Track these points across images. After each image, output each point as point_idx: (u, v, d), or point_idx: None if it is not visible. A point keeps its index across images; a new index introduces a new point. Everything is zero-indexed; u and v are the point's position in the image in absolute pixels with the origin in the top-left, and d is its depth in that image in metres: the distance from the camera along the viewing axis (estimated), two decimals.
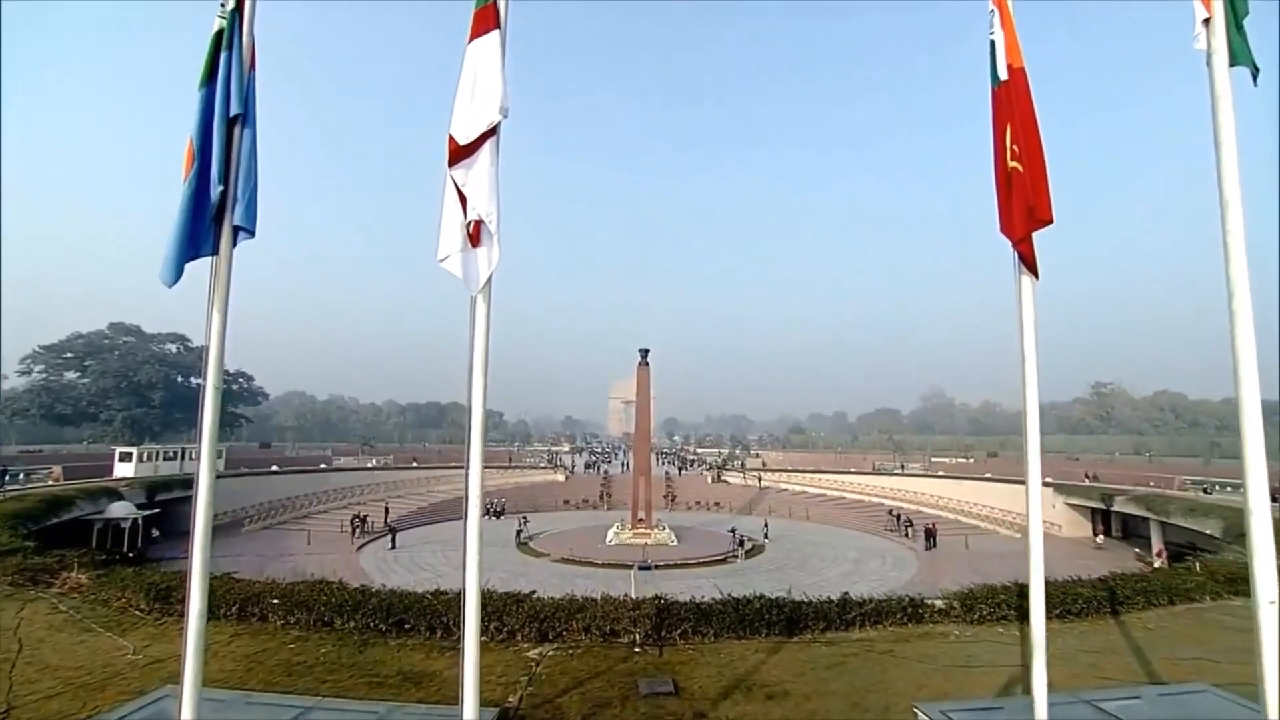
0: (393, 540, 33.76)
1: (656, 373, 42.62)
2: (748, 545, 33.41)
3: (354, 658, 8.99)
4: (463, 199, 4.77)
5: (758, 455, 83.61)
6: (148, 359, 61.72)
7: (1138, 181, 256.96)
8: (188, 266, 4.50)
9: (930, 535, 35.95)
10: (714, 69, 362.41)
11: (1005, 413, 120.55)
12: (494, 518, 41.77)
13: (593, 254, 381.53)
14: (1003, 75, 4.95)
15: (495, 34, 4.95)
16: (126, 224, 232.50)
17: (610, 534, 35.57)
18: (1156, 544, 31.00)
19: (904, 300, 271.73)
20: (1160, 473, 41.41)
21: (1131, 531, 37.41)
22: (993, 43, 5.07)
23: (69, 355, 60.77)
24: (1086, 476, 42.09)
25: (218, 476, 4.79)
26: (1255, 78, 4.63)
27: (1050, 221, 4.69)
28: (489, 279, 4.86)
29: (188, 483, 4.73)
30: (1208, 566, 14.11)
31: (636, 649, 9.43)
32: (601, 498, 53.13)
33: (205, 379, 4.47)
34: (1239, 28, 4.60)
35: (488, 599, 9.90)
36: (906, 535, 38.45)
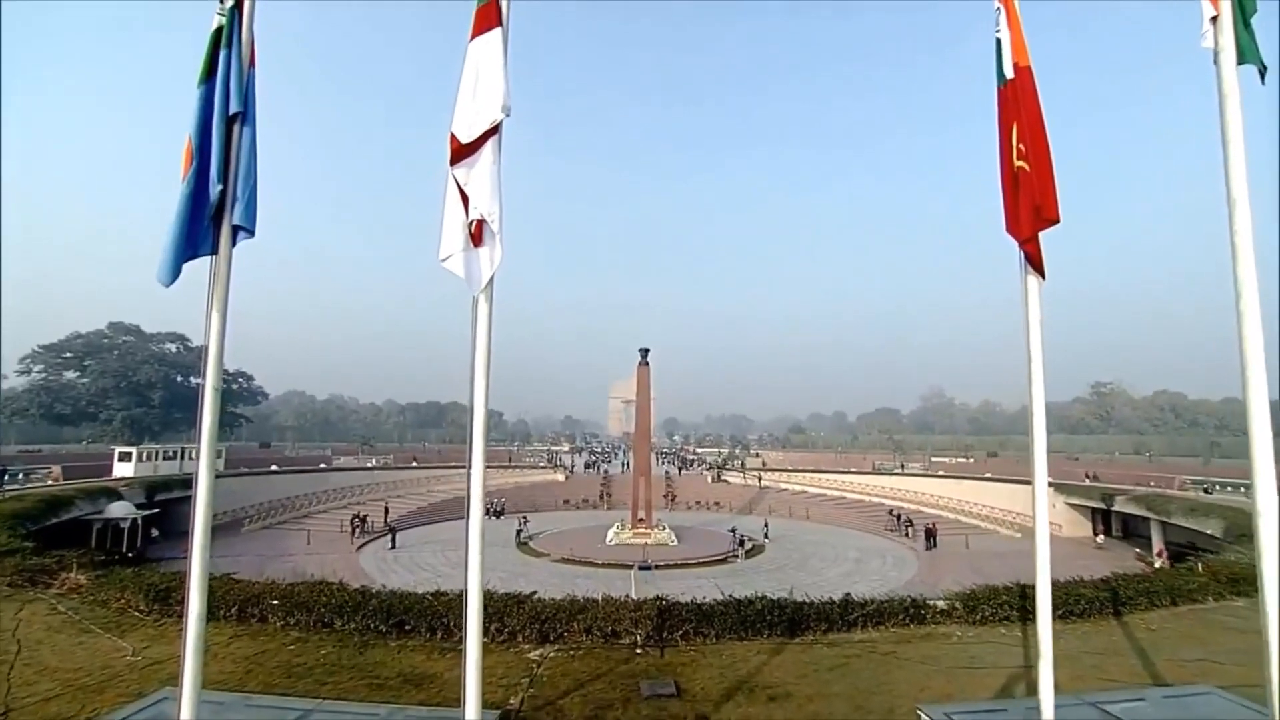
0: (392, 540, 33.71)
1: (656, 373, 42.60)
2: (748, 545, 33.38)
3: (354, 659, 8.96)
4: (465, 198, 4.72)
5: (758, 455, 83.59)
6: (147, 359, 61.61)
7: (1138, 181, 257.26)
8: (187, 266, 4.46)
9: (930, 535, 35.92)
10: (714, 69, 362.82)
11: (1005, 413, 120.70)
12: (494, 517, 41.70)
13: (593, 254, 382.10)
14: (1009, 74, 4.91)
15: (497, 32, 4.91)
16: (126, 224, 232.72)
17: (610, 534, 35.52)
18: (1157, 544, 30.97)
19: (904, 300, 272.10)
20: (1160, 472, 41.39)
21: (1132, 531, 37.38)
22: (998, 41, 5.02)
23: (68, 355, 60.65)
24: (1087, 476, 42.07)
25: (217, 476, 4.75)
26: (1263, 76, 4.60)
27: (1057, 221, 4.65)
28: (491, 279, 4.82)
29: (187, 483, 4.70)
30: (1210, 567, 14.09)
31: (638, 650, 9.40)
32: (601, 497, 53.06)
33: (204, 379, 4.44)
34: (1247, 25, 4.57)
35: (489, 600, 9.87)
36: (907, 535, 38.42)
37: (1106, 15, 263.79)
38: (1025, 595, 10.92)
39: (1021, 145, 4.72)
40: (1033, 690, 5.07)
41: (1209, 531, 25.69)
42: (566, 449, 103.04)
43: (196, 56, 4.64)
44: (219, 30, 4.58)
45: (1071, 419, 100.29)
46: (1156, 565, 24.83)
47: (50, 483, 31.60)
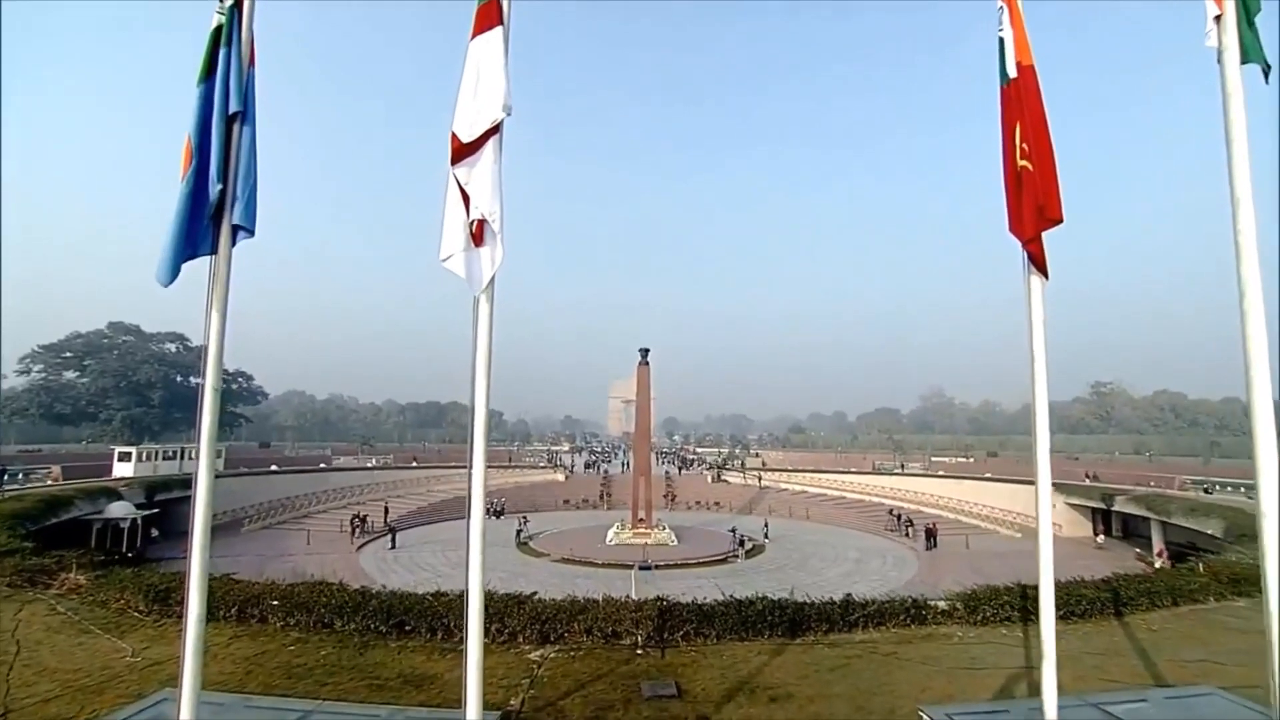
0: (392, 540, 33.69)
1: (656, 372, 42.57)
2: (748, 545, 33.36)
3: (354, 660, 8.94)
4: (466, 198, 4.70)
5: (757, 455, 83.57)
6: (147, 358, 61.56)
7: (1138, 181, 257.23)
8: (187, 266, 4.44)
9: (931, 535, 35.91)
10: (714, 69, 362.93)
11: (1005, 412, 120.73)
12: (494, 517, 41.70)
13: (593, 254, 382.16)
14: (1012, 73, 4.89)
15: (498, 30, 4.89)
16: (126, 223, 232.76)
17: (610, 534, 35.50)
18: (1157, 544, 30.96)
19: (904, 300, 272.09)
20: (1160, 472, 41.40)
21: (1132, 531, 37.37)
22: (1001, 40, 5.00)
23: (68, 355, 60.59)
24: (1087, 476, 42.08)
25: (217, 476, 4.74)
26: (1266, 75, 4.58)
27: (1060, 221, 4.63)
28: (493, 279, 4.80)
29: (187, 482, 4.68)
30: (1211, 567, 14.07)
31: (639, 651, 9.39)
32: (601, 497, 53.03)
33: (204, 378, 4.42)
34: (1251, 24, 4.55)
35: (489, 600, 9.85)
36: (907, 535, 38.40)
37: (1106, 15, 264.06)
38: (1026, 595, 10.91)
39: (1025, 145, 4.70)
40: (1034, 691, 5.05)
41: (1209, 531, 25.68)
42: (566, 449, 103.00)
43: (196, 56, 4.63)
44: (218, 29, 4.56)
45: (1071, 419, 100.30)
46: (1157, 565, 24.82)
47: (50, 483, 31.58)
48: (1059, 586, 11.10)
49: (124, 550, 25.16)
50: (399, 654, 9.20)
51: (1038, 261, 4.87)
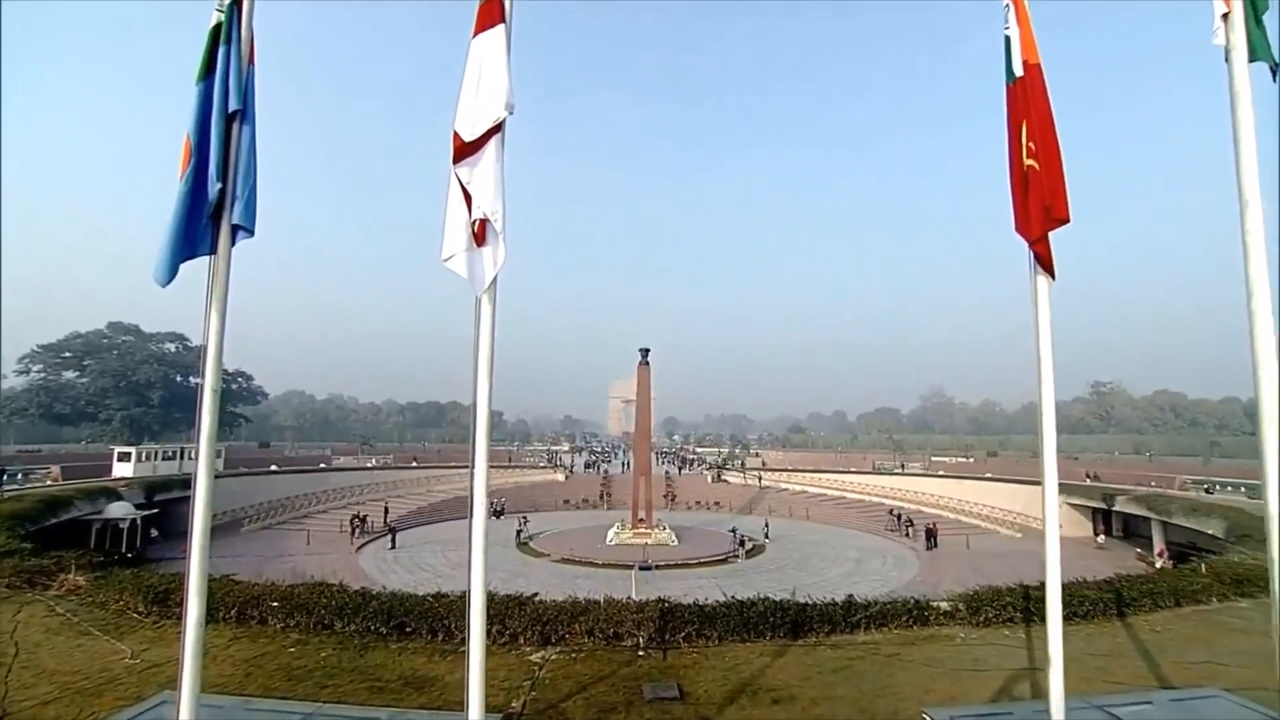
0: (392, 540, 33.65)
1: (656, 372, 42.50)
2: (748, 545, 33.33)
3: (355, 662, 8.91)
4: (467, 197, 4.66)
5: (758, 455, 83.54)
6: (146, 358, 61.49)
7: (1138, 181, 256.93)
8: (187, 266, 4.41)
9: (931, 535, 35.86)
10: (714, 69, 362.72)
11: (1005, 412, 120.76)
12: (494, 517, 41.62)
13: (593, 254, 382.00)
14: (1018, 71, 4.85)
15: (500, 28, 4.84)
16: (125, 223, 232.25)
17: (610, 534, 35.45)
18: (1158, 544, 30.93)
19: (904, 300, 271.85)
20: (1160, 472, 41.34)
21: (1132, 531, 37.33)
22: (1007, 39, 4.96)
23: (67, 355, 60.52)
24: (1087, 476, 42.04)
25: (217, 476, 4.70)
26: (1274, 73, 4.54)
27: (1067, 220, 4.59)
28: (494, 279, 4.76)
29: (186, 483, 4.65)
30: (1213, 568, 14.04)
31: (640, 652, 9.35)
32: (601, 497, 52.98)
33: (204, 378, 4.38)
34: (1259, 22, 4.52)
35: (490, 602, 9.78)
36: (907, 535, 38.36)
37: (1107, 15, 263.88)
38: (1028, 596, 10.88)
39: (1031, 144, 4.66)
40: (1038, 692, 5.03)
41: (1210, 531, 25.65)
42: (566, 449, 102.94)
43: (196, 56, 4.58)
44: (218, 27, 4.52)
45: (1072, 419, 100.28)
46: (1158, 565, 24.80)
47: (49, 483, 31.53)
48: (1062, 588, 11.07)
49: (123, 550, 25.11)
50: (399, 656, 9.16)
51: (1044, 262, 4.83)
